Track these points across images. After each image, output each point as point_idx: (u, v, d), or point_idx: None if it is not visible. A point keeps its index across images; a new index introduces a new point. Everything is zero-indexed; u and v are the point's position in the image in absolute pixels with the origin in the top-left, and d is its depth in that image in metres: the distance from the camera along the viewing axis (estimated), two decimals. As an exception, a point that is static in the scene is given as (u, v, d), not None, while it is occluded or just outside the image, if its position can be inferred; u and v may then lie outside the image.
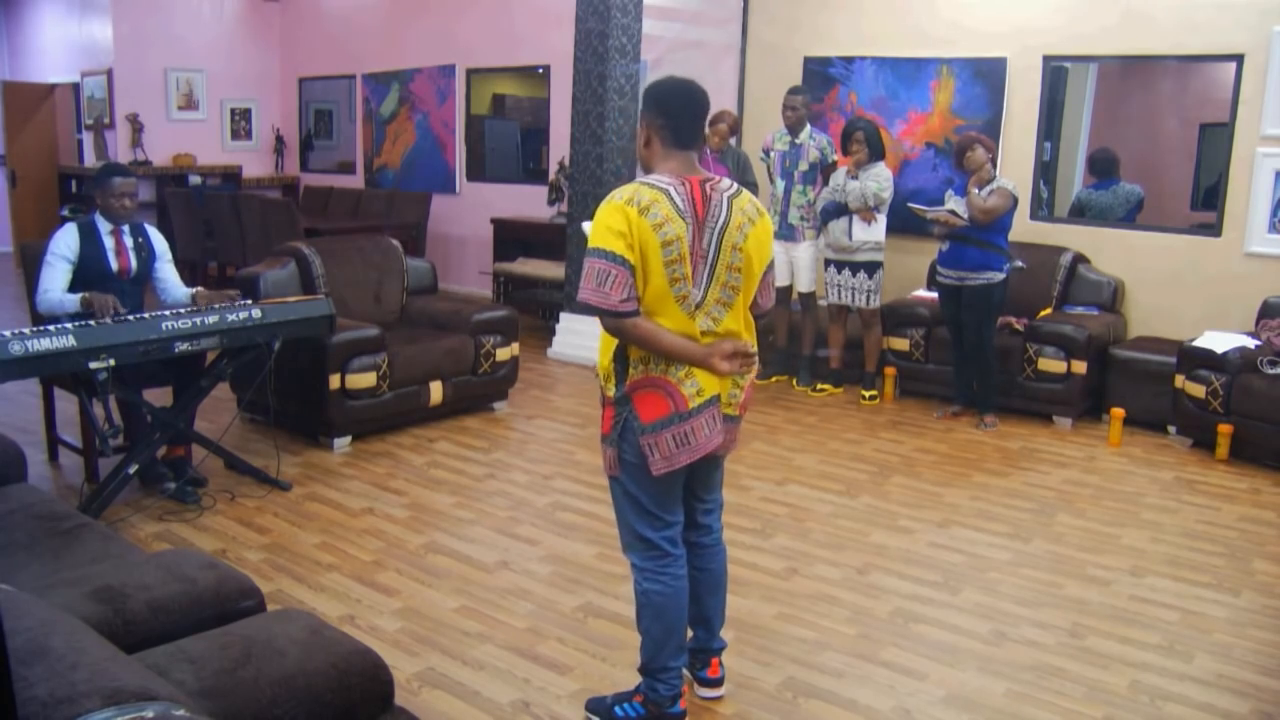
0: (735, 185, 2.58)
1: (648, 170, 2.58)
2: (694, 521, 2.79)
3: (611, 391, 2.55)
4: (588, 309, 2.43)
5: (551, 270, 7.92)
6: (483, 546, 3.93)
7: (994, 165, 5.48)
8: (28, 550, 2.65)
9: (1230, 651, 3.22)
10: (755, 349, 2.57)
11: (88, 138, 10.96)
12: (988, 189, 5.39)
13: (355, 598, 3.47)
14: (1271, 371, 4.93)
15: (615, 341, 2.51)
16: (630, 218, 2.38)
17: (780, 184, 6.24)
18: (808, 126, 6.17)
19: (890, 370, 6.18)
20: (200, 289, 4.42)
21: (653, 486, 2.57)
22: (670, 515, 2.64)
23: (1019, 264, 5.83)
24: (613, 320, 2.42)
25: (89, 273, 4.17)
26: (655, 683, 2.69)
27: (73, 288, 4.13)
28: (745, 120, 7.50)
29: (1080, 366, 5.54)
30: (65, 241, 4.15)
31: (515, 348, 5.73)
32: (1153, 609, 3.51)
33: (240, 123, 11.35)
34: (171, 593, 2.25)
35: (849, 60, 7.04)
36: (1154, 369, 5.52)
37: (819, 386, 6.33)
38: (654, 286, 2.42)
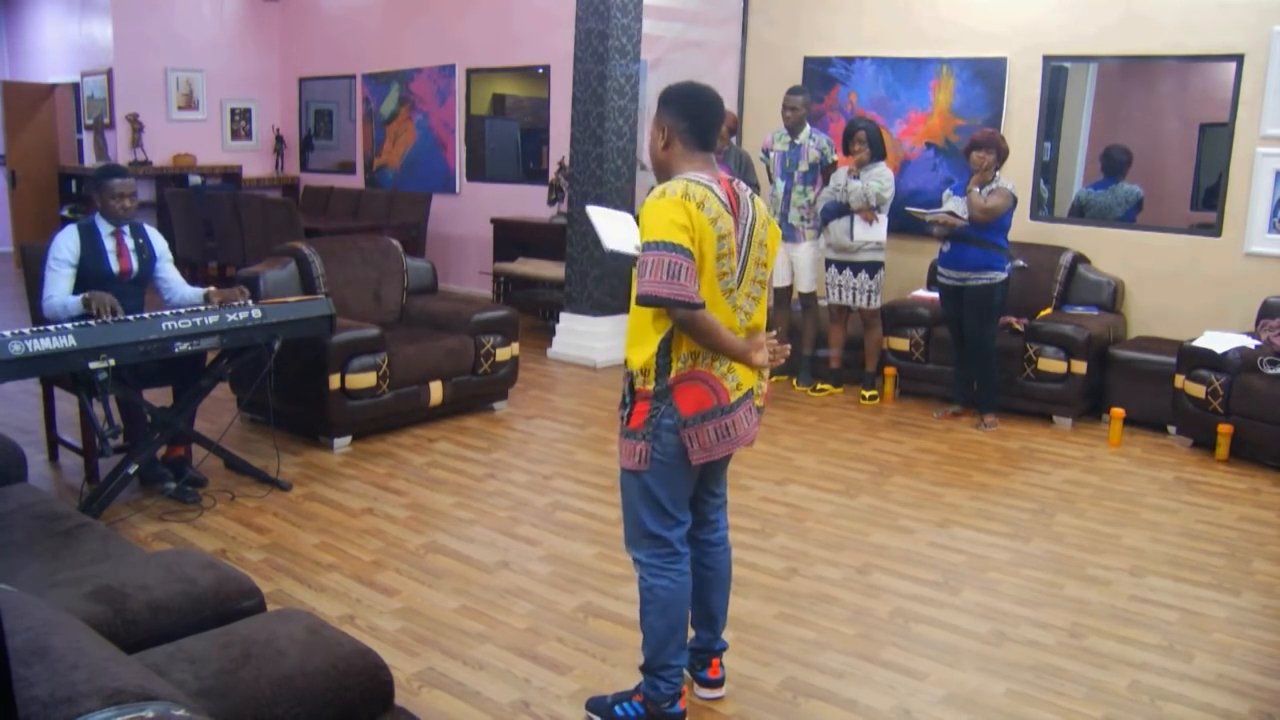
0: (747, 187, 2.66)
1: (664, 172, 2.58)
2: (704, 518, 2.81)
3: (650, 385, 2.53)
4: (657, 302, 2.40)
5: (551, 270, 7.92)
6: (483, 546, 3.93)
7: (998, 169, 5.46)
8: (28, 550, 2.65)
9: (1230, 651, 3.22)
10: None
11: (88, 138, 10.97)
12: (987, 189, 5.39)
13: (355, 598, 3.47)
14: (1271, 371, 4.93)
15: (658, 336, 2.50)
16: (690, 212, 2.40)
17: (780, 184, 6.24)
18: (807, 126, 6.17)
19: (890, 370, 6.18)
20: (213, 288, 4.42)
21: (675, 483, 2.59)
22: (682, 514, 2.67)
23: (1020, 263, 5.83)
24: (688, 312, 2.41)
25: (90, 274, 4.17)
26: (656, 680, 2.70)
27: (75, 290, 4.13)
28: (745, 120, 7.50)
29: (1080, 366, 5.54)
30: (66, 244, 4.15)
31: (515, 348, 5.73)
32: (1153, 609, 3.51)
33: (240, 123, 11.35)
34: (171, 593, 2.25)
35: (849, 60, 7.04)
36: (1154, 369, 5.52)
37: (819, 386, 6.33)
38: (707, 281, 2.46)
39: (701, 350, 2.50)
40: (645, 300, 2.41)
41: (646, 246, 2.41)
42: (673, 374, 2.51)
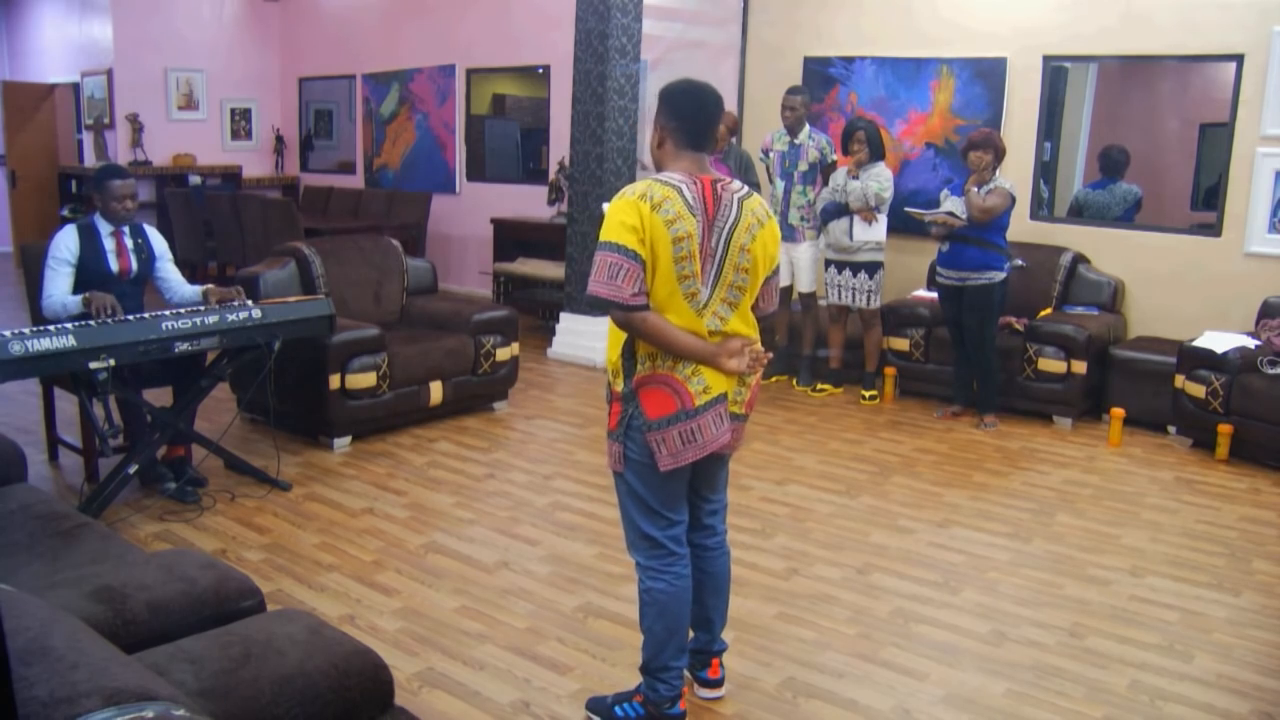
0: (746, 188, 2.60)
1: (660, 169, 2.59)
2: (699, 522, 2.79)
3: (620, 387, 2.56)
4: (597, 302, 2.43)
5: (551, 270, 7.92)
6: (483, 546, 3.93)
7: (995, 168, 5.46)
8: (28, 550, 2.65)
9: (1230, 651, 3.22)
10: (763, 349, 2.60)
11: (88, 138, 10.97)
12: (986, 188, 5.39)
13: (355, 598, 3.47)
14: (1271, 371, 4.92)
15: (625, 336, 2.53)
16: (643, 213, 2.40)
17: (780, 184, 6.24)
18: (807, 126, 6.17)
19: (890, 370, 6.18)
20: (211, 286, 4.43)
21: (657, 484, 2.58)
22: (675, 514, 2.64)
23: (1019, 262, 5.83)
24: (623, 314, 2.43)
25: (89, 274, 4.17)
26: (656, 682, 2.69)
27: (75, 289, 4.14)
28: (745, 120, 7.50)
29: (1080, 366, 5.54)
30: (65, 244, 4.15)
31: (515, 348, 5.73)
32: (1153, 609, 3.51)
33: (240, 123, 11.35)
34: (171, 593, 2.25)
35: (849, 60, 7.04)
36: (1154, 369, 5.52)
37: (819, 386, 6.33)
38: (663, 282, 2.44)
39: (658, 352, 2.49)
40: (588, 299, 2.47)
41: (598, 247, 2.45)
42: (636, 376, 2.53)
